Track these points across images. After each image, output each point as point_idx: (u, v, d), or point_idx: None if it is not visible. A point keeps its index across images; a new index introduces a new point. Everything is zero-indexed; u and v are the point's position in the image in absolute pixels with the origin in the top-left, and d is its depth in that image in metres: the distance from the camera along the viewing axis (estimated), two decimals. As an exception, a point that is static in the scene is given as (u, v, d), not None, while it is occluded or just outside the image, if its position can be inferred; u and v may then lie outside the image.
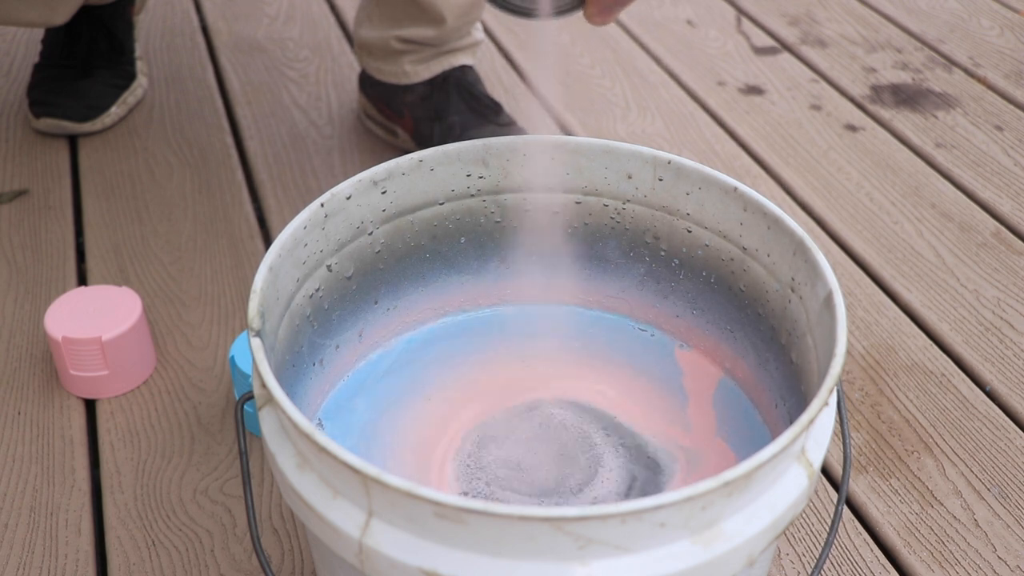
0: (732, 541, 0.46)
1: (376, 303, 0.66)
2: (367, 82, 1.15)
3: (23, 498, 0.78)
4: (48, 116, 1.16)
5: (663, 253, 0.66)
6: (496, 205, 0.67)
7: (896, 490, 0.79)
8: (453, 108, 1.08)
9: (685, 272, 0.66)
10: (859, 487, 0.80)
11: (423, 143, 1.09)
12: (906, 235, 1.06)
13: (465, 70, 1.11)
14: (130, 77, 1.22)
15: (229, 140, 1.19)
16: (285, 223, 1.05)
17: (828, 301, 0.53)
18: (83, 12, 1.16)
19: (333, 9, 1.46)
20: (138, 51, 1.26)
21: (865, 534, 0.76)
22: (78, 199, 1.10)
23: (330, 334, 0.63)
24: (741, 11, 1.50)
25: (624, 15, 1.48)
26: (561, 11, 0.62)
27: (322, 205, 0.59)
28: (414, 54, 1.09)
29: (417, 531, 0.45)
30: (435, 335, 0.69)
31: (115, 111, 1.19)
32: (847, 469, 0.57)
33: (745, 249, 0.62)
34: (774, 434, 0.61)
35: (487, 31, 1.43)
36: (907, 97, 1.30)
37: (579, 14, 0.63)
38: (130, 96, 1.21)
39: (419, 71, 1.09)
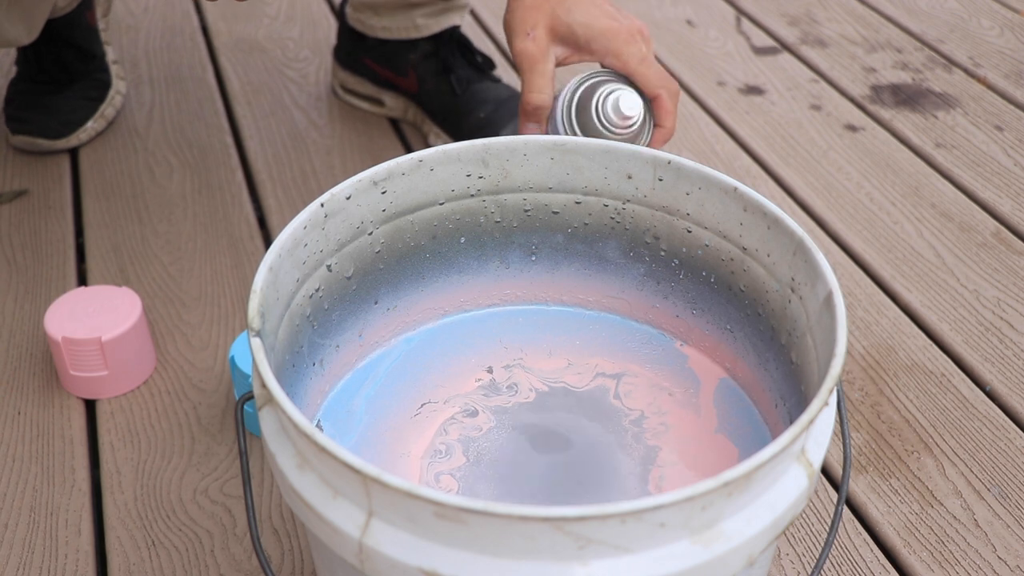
0: (732, 541, 0.46)
1: (376, 303, 0.66)
2: (358, 48, 1.20)
3: (23, 498, 0.78)
4: (23, 133, 1.14)
5: (663, 253, 0.66)
6: (496, 205, 0.67)
7: (896, 490, 0.79)
8: (457, 63, 1.15)
9: (685, 272, 0.66)
10: (859, 487, 0.80)
11: (427, 99, 1.17)
12: (906, 235, 1.06)
13: (457, 28, 1.17)
14: (105, 86, 1.20)
15: (229, 140, 1.19)
16: (285, 223, 1.05)
17: (828, 301, 0.53)
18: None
19: (333, 9, 1.46)
20: (112, 55, 1.24)
21: (865, 534, 0.76)
22: (78, 199, 1.10)
23: (330, 334, 0.63)
24: (741, 11, 1.50)
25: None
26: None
27: (322, 205, 0.59)
28: (426, 7, 1.14)
29: (417, 531, 0.45)
30: (435, 335, 0.69)
31: (91, 126, 1.17)
32: (847, 469, 0.57)
33: (745, 249, 0.62)
34: (774, 434, 0.61)
35: (488, 32, 1.43)
36: (907, 97, 1.30)
37: None
38: (108, 108, 1.19)
39: (429, 24, 1.14)
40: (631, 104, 0.71)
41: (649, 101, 0.74)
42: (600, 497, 0.58)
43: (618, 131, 0.72)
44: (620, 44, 0.73)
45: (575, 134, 0.72)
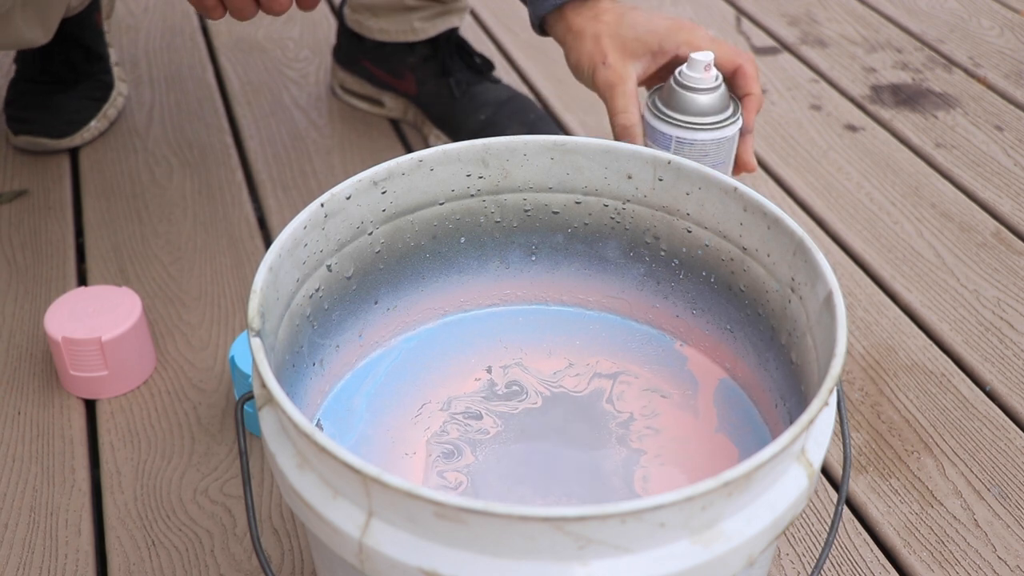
0: (732, 541, 0.46)
1: (376, 303, 0.66)
2: (357, 49, 1.20)
3: (23, 498, 0.78)
4: (26, 133, 1.14)
5: (663, 253, 0.66)
6: (496, 205, 0.67)
7: (896, 490, 0.79)
8: (456, 65, 1.15)
9: (685, 272, 0.66)
10: (859, 487, 0.80)
11: (427, 102, 1.16)
12: (906, 235, 1.06)
13: (455, 30, 1.17)
14: (108, 87, 1.20)
15: (229, 140, 1.19)
16: (285, 223, 1.05)
17: (828, 301, 0.54)
18: None
19: (333, 9, 1.46)
20: (114, 57, 1.24)
21: (865, 534, 0.76)
22: (78, 199, 1.10)
23: (330, 334, 0.63)
24: (741, 11, 1.50)
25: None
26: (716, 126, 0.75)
27: (322, 205, 0.59)
28: (423, 11, 1.13)
29: (417, 531, 0.45)
30: (435, 335, 0.69)
31: (95, 125, 1.17)
32: (847, 469, 0.57)
33: (745, 249, 0.62)
34: (774, 434, 0.61)
35: (488, 33, 1.43)
36: (907, 97, 1.30)
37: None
38: (110, 108, 1.19)
39: (426, 28, 1.14)
40: (701, 56, 0.74)
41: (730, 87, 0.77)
42: (594, 497, 0.58)
43: (707, 86, 0.74)
44: (688, 33, 0.78)
45: (676, 121, 0.74)
